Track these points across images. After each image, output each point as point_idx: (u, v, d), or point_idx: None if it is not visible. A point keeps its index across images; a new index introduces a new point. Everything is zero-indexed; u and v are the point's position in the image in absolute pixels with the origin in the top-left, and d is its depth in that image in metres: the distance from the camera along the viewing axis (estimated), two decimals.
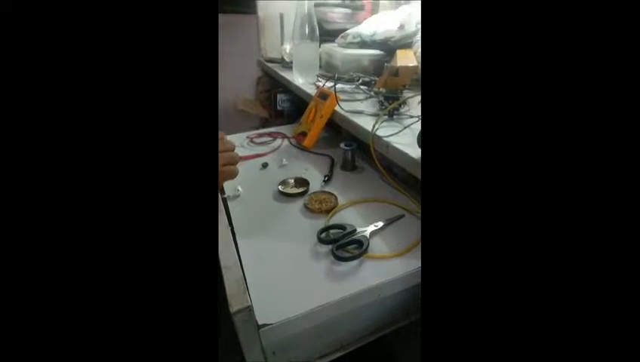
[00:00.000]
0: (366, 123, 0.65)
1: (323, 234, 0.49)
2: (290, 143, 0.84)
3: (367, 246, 0.46)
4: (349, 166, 0.70)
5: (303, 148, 0.79)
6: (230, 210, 0.57)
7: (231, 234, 0.47)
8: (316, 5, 1.09)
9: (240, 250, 0.46)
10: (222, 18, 1.34)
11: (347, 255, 0.45)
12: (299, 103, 1.14)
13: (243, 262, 0.44)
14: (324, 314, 0.39)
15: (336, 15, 1.18)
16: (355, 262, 0.45)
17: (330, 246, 0.46)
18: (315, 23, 0.92)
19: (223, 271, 0.39)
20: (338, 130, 0.88)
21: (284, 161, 0.73)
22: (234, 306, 0.34)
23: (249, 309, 0.34)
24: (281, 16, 1.20)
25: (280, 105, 1.21)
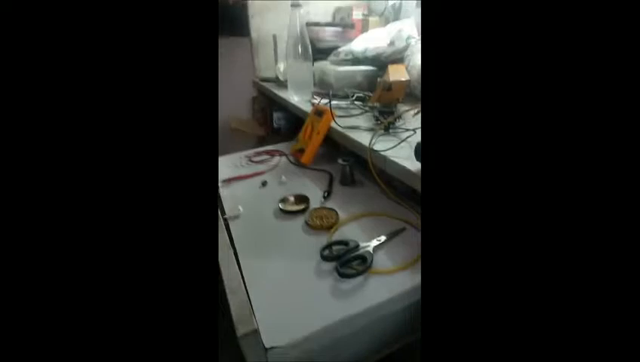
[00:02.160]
0: (362, 138, 0.66)
1: (326, 251, 0.48)
2: (289, 160, 0.84)
3: (372, 261, 0.46)
4: (348, 181, 0.70)
5: (302, 165, 0.80)
6: (232, 230, 0.57)
7: (234, 256, 0.47)
8: (308, 25, 1.11)
9: (243, 270, 0.46)
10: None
11: (352, 271, 0.44)
12: (295, 121, 1.15)
13: (247, 283, 0.43)
14: (331, 333, 0.39)
15: (328, 34, 1.20)
16: (360, 279, 0.44)
17: (333, 264, 0.46)
18: (308, 43, 0.94)
19: (228, 294, 0.39)
20: (335, 146, 0.89)
21: (283, 179, 0.73)
22: (240, 330, 0.33)
23: (255, 332, 0.34)
24: (274, 37, 1.22)
25: (276, 123, 1.22)
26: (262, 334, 0.35)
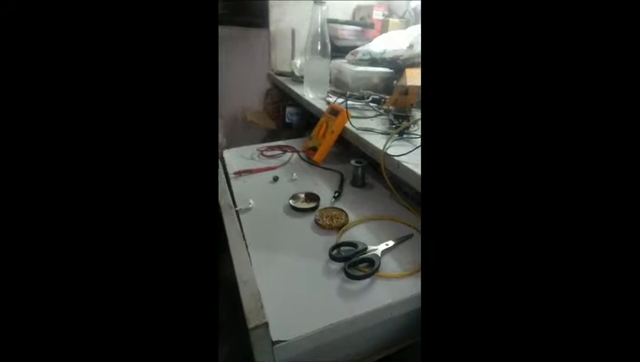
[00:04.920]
0: (376, 141, 0.66)
1: (334, 251, 0.49)
2: (300, 157, 0.85)
3: (379, 265, 0.47)
4: (359, 182, 0.71)
5: (313, 163, 0.81)
6: (242, 222, 0.58)
7: (245, 248, 0.48)
8: (327, 22, 1.11)
9: (253, 263, 0.47)
10: (233, 31, 1.37)
11: (359, 273, 0.45)
12: (307, 117, 1.16)
13: (257, 276, 0.44)
14: (337, 331, 0.40)
15: (347, 32, 1.20)
16: (366, 281, 0.45)
17: (341, 264, 0.47)
18: (328, 40, 0.94)
19: (240, 284, 0.40)
20: (347, 146, 0.89)
21: (295, 176, 0.74)
22: (251, 322, 0.35)
23: (266, 326, 0.35)
24: (293, 32, 1.22)
25: (289, 118, 1.22)
26: (270, 328, 0.36)
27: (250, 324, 0.34)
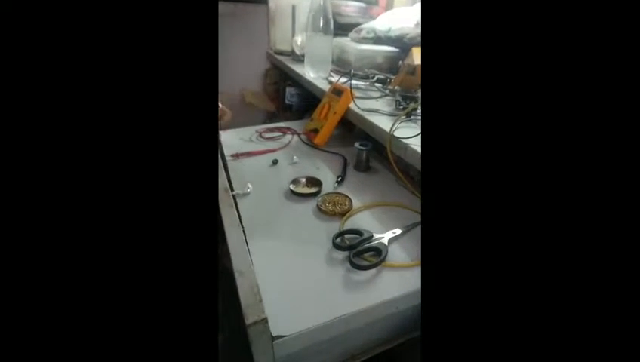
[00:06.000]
0: (382, 122, 0.62)
1: (338, 239, 0.46)
2: (301, 140, 0.81)
3: (386, 254, 0.44)
4: (363, 166, 0.68)
5: (314, 146, 0.77)
6: (239, 208, 0.55)
7: (243, 236, 0.45)
8: None
9: (251, 251, 0.44)
10: (231, 7, 1.30)
11: (365, 263, 0.42)
12: (308, 98, 1.11)
13: (255, 265, 0.41)
14: (340, 326, 0.37)
15: (350, 9, 1.14)
16: (372, 271, 0.42)
17: (346, 253, 0.44)
18: (330, 16, 0.88)
19: (236, 275, 0.37)
20: (349, 128, 0.85)
21: (295, 159, 0.70)
22: (249, 317, 0.32)
23: (265, 321, 0.32)
24: (293, 8, 1.16)
25: (288, 99, 1.18)
26: (269, 322, 0.33)
27: (248, 320, 0.31)
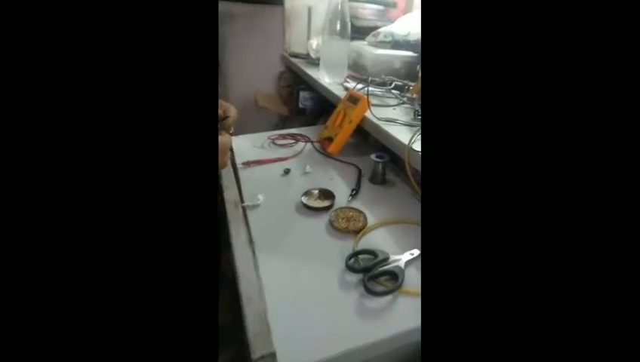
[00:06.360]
0: (399, 133, 0.60)
1: (352, 261, 0.44)
2: (314, 148, 0.79)
3: (403, 279, 0.41)
4: (379, 179, 0.65)
5: (328, 155, 0.74)
6: (249, 220, 0.53)
7: (252, 254, 0.43)
8: None
9: (260, 270, 0.42)
10: (246, 8, 1.29)
11: (380, 289, 0.40)
12: (322, 102, 1.09)
13: (264, 285, 0.39)
14: (353, 357, 0.35)
15: (367, 12, 1.11)
16: (388, 298, 0.40)
17: (359, 276, 0.42)
18: (348, 20, 0.86)
19: (244, 301, 0.35)
20: (365, 137, 0.83)
21: (308, 168, 0.68)
22: (256, 351, 0.30)
23: (273, 356, 0.30)
24: (309, 10, 1.14)
25: (302, 103, 1.15)
26: (278, 356, 0.31)
27: (255, 354, 0.29)
